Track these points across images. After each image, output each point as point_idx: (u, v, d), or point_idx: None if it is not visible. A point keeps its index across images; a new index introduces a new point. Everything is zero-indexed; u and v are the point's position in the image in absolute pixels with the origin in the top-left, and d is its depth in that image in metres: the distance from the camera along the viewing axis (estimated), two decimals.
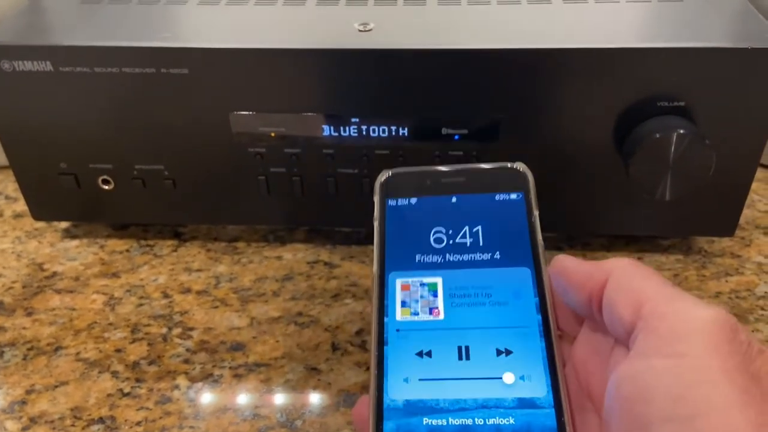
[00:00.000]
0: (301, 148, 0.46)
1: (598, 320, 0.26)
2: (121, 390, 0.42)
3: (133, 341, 0.45)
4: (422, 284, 0.30)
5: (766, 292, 0.48)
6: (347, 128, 0.45)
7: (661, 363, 0.22)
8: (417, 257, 0.31)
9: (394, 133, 0.45)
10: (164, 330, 0.46)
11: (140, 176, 0.49)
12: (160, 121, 0.46)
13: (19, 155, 0.49)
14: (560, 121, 0.44)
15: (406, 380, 0.27)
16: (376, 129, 0.45)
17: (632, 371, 0.23)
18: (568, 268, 0.27)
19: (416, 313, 0.29)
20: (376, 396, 0.27)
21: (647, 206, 0.47)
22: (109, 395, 0.41)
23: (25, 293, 0.50)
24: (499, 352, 0.27)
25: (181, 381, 0.42)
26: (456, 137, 0.45)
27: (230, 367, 0.43)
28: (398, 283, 0.30)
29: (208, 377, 0.42)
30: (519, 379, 0.27)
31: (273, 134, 0.46)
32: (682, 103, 0.42)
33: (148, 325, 0.47)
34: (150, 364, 0.44)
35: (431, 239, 0.31)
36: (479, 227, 0.31)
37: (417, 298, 0.29)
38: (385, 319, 0.29)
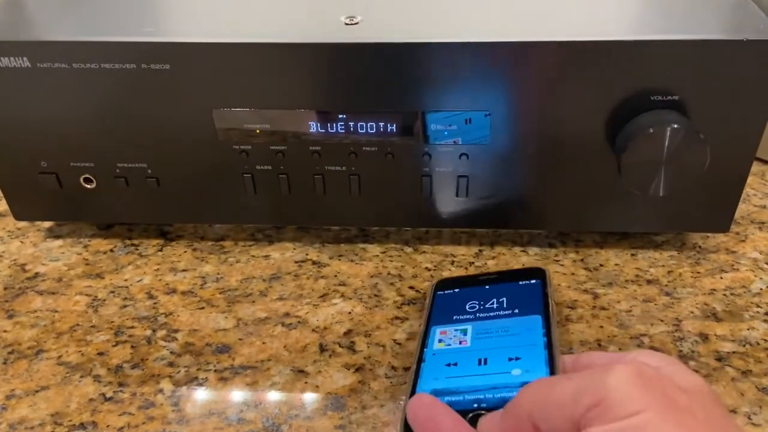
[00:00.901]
0: (287, 145, 0.45)
1: None
2: (103, 394, 0.41)
3: (116, 344, 0.44)
4: (456, 330, 0.39)
5: (761, 289, 0.47)
6: (334, 124, 0.44)
7: None
8: (454, 317, 0.41)
9: (382, 130, 0.44)
10: (148, 332, 0.45)
11: (123, 174, 0.48)
12: (142, 118, 0.45)
13: None
14: (551, 116, 0.43)
15: (435, 378, 0.36)
16: (364, 125, 0.44)
17: None
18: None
19: (449, 345, 0.38)
20: (410, 392, 0.35)
21: (641, 202, 0.46)
22: (90, 400, 0.40)
23: (6, 295, 0.48)
24: (510, 359, 0.35)
25: (165, 385, 0.41)
26: (446, 133, 0.44)
27: (216, 370, 0.42)
28: (437, 330, 0.40)
29: (192, 381, 0.41)
30: (524, 372, 0.34)
31: (258, 131, 0.45)
32: (675, 97, 0.41)
33: (132, 327, 0.45)
34: (133, 367, 0.43)
35: (466, 307, 0.41)
36: (504, 299, 0.41)
37: (451, 337, 0.39)
38: (425, 349, 0.38)
